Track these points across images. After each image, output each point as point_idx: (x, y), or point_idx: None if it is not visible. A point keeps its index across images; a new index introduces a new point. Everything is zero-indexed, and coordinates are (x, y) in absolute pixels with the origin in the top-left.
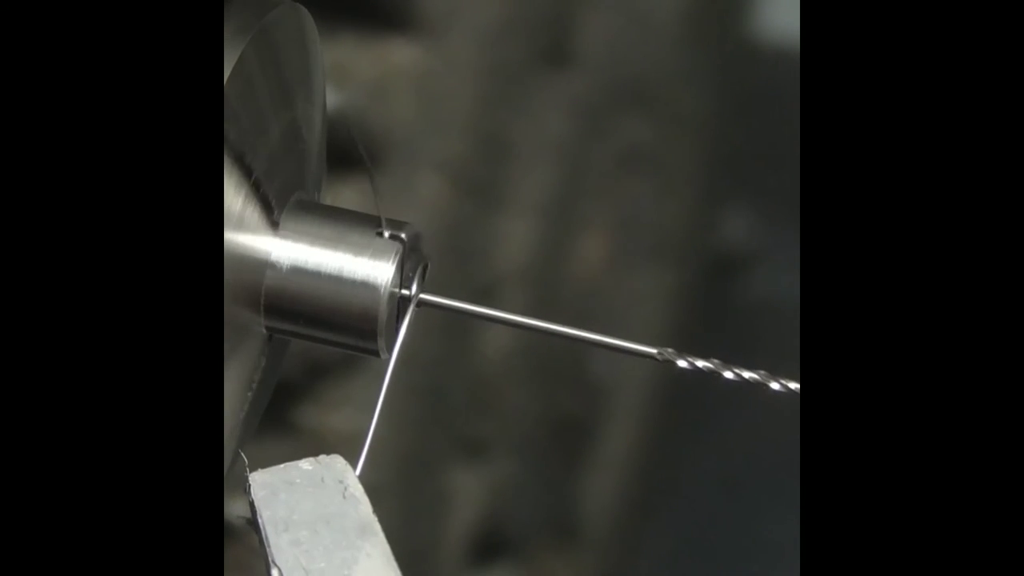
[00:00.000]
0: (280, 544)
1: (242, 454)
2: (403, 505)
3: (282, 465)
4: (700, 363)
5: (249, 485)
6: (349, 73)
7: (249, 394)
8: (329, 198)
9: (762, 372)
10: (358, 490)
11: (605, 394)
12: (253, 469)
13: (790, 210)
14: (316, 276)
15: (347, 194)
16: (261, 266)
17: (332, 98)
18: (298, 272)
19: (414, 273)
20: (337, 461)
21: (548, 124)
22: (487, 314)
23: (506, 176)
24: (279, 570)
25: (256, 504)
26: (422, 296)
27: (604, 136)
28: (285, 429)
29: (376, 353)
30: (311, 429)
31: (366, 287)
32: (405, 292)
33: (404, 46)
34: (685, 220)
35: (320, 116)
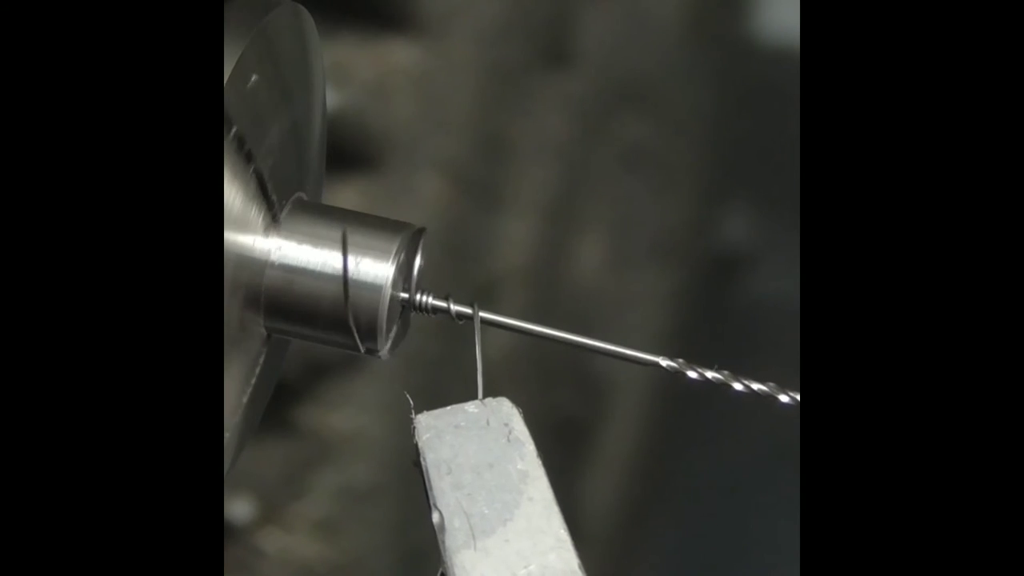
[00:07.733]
0: (443, 487)
1: (408, 396)
2: (403, 505)
3: (448, 407)
4: (710, 374)
5: (415, 427)
6: (349, 73)
7: (249, 393)
8: (329, 198)
9: (771, 384)
10: (523, 433)
11: (605, 395)
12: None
13: (790, 210)
14: (316, 276)
15: (347, 194)
16: (261, 266)
17: (332, 98)
18: (298, 272)
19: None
20: (503, 404)
21: (548, 124)
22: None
23: (506, 176)
24: (440, 513)
25: (421, 446)
26: (482, 314)
27: (604, 136)
28: (285, 429)
29: (377, 354)
30: (311, 429)
31: (367, 287)
32: (466, 310)
33: (404, 46)
34: (685, 220)
35: (320, 116)
